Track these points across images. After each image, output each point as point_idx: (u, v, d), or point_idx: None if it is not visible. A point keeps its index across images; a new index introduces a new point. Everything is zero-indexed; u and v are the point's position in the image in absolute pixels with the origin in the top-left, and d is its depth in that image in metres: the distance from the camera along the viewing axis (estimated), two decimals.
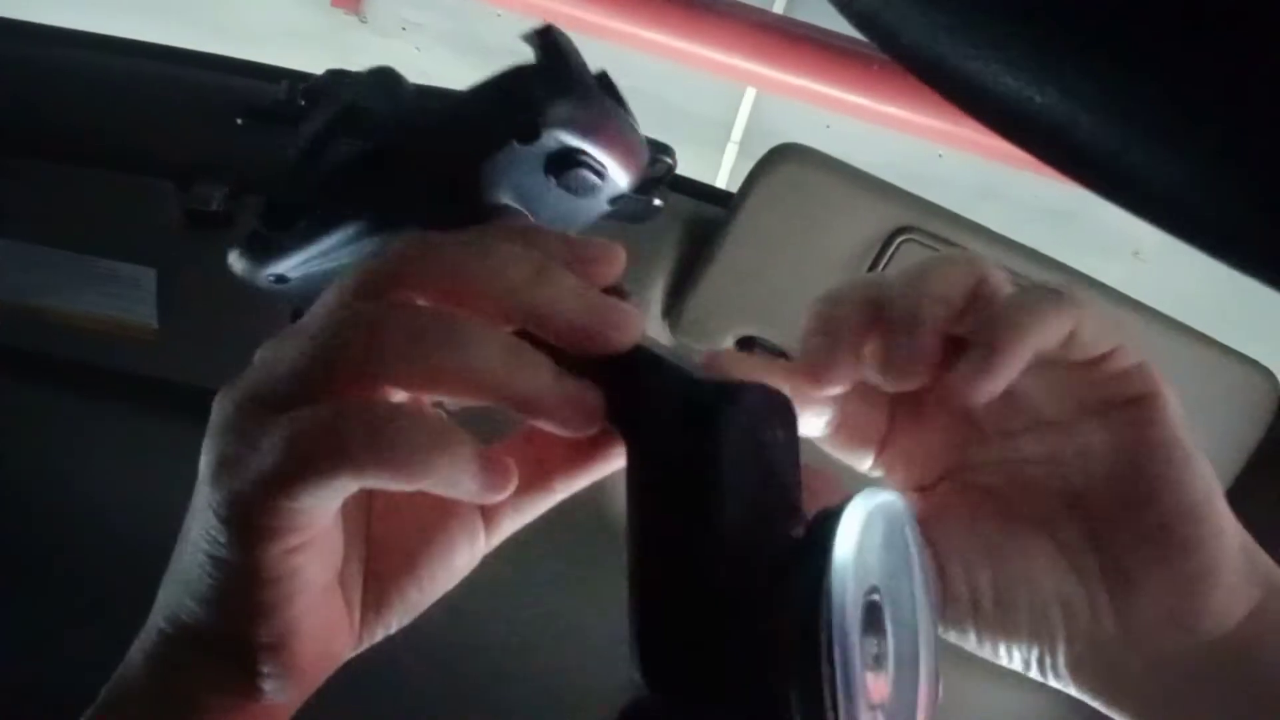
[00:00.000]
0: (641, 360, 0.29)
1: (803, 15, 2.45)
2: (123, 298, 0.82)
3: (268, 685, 0.30)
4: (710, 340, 0.81)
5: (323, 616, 0.30)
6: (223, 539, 0.27)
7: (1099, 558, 0.33)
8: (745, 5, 2.38)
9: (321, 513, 0.27)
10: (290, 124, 0.74)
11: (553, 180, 0.35)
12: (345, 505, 0.29)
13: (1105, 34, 0.15)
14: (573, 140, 0.34)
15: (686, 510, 0.26)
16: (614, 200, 0.39)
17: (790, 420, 0.28)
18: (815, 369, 0.32)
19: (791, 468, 0.28)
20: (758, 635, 0.24)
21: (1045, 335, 0.31)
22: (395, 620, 0.33)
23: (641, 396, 0.28)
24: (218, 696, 0.31)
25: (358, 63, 0.78)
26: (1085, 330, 0.31)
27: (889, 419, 0.36)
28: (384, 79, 0.38)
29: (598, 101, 0.35)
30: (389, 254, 0.29)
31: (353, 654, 0.33)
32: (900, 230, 0.77)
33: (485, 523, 0.34)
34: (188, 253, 0.81)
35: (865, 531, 0.25)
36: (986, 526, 0.34)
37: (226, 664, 0.30)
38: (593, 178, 0.35)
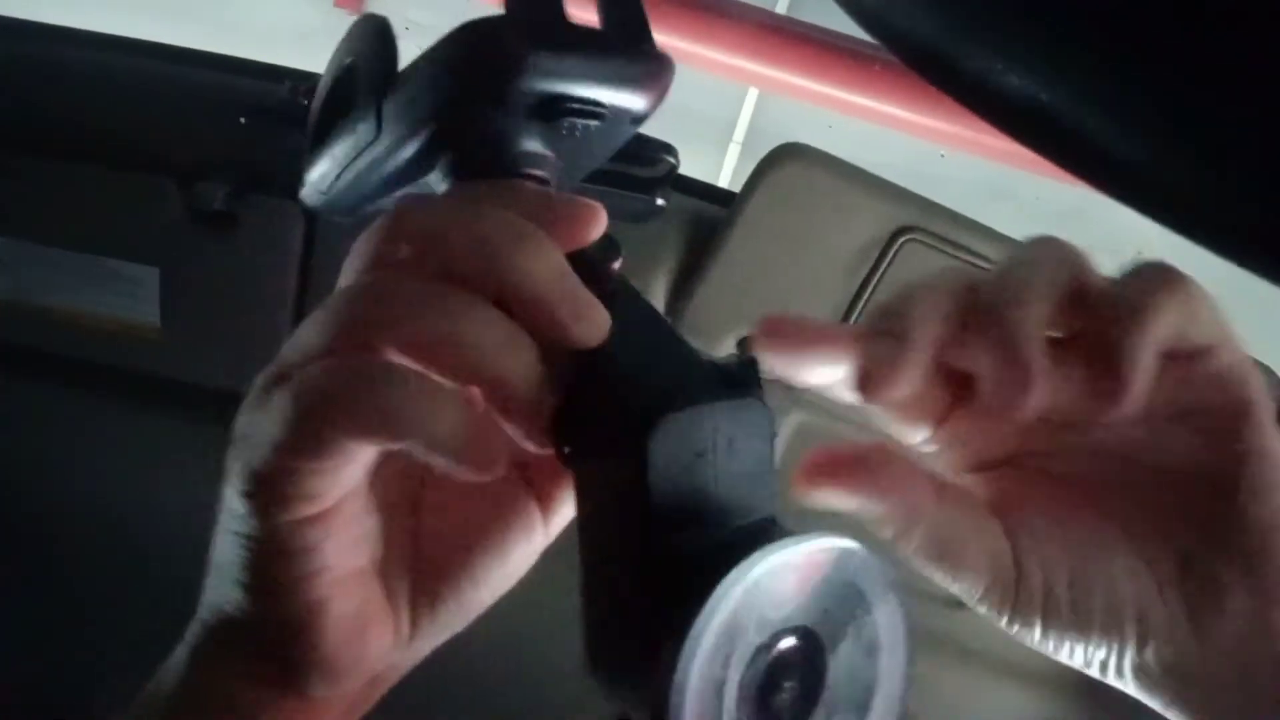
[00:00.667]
0: (600, 362, 0.28)
1: (805, 15, 2.45)
2: (126, 297, 0.82)
3: (296, 674, 0.30)
4: (713, 340, 0.81)
5: (354, 604, 0.30)
6: (243, 511, 0.28)
7: (1178, 563, 0.30)
8: (748, 5, 2.38)
9: (331, 478, 0.27)
10: (293, 123, 0.74)
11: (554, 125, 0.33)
12: (384, 493, 0.30)
13: (1110, 33, 0.15)
14: (550, 87, 0.32)
15: (608, 525, 0.27)
16: (636, 120, 0.36)
17: (759, 428, 0.28)
18: (873, 379, 0.29)
19: (748, 479, 0.27)
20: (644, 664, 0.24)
21: (1169, 327, 0.28)
22: (452, 620, 0.32)
23: (588, 406, 0.28)
24: (252, 689, 0.31)
25: None
26: (1198, 318, 0.29)
27: (952, 394, 0.32)
28: (373, 28, 0.36)
29: (578, 41, 0.33)
30: (385, 220, 0.29)
31: (410, 658, 0.33)
32: (902, 230, 0.77)
33: (543, 516, 0.33)
34: (191, 252, 0.81)
35: (772, 577, 0.24)
36: (1065, 521, 0.32)
37: (257, 651, 0.30)
38: (587, 122, 0.33)
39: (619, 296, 0.30)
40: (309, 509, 0.27)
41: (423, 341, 0.26)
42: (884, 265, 0.78)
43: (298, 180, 0.38)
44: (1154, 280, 0.29)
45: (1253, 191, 0.15)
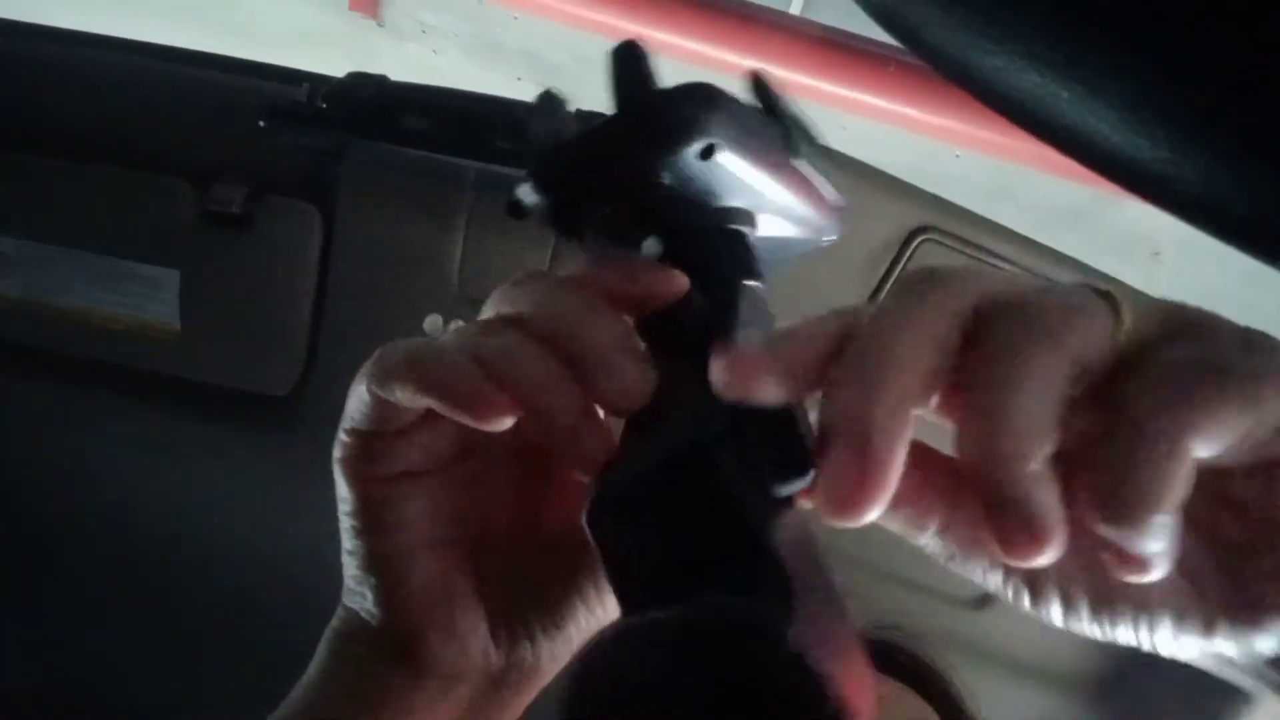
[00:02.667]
0: (634, 427, 0.30)
1: (819, 17, 2.45)
2: (145, 298, 0.82)
3: (395, 649, 0.33)
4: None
5: (437, 576, 0.33)
6: (340, 484, 0.33)
7: (1221, 584, 0.27)
8: (762, 7, 2.38)
9: (401, 442, 0.32)
10: (311, 126, 0.75)
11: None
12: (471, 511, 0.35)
13: (1128, 30, 0.15)
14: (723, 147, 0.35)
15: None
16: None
17: (714, 476, 0.26)
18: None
19: (718, 531, 0.26)
20: None
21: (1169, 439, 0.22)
22: (552, 639, 0.35)
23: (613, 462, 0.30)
24: (371, 676, 0.34)
25: (376, 66, 0.79)
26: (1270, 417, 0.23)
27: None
28: (547, 104, 0.40)
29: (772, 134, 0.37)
30: (509, 285, 0.33)
31: (533, 670, 0.35)
32: (919, 230, 0.77)
33: None
34: (209, 253, 0.81)
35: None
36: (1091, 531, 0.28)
37: (372, 637, 0.34)
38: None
39: (690, 360, 0.30)
40: (386, 466, 0.33)
41: (493, 370, 0.30)
42: (900, 265, 0.78)
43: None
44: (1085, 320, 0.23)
45: (1275, 187, 0.15)
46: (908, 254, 0.77)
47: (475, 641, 0.34)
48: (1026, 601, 0.28)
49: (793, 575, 0.25)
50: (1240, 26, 0.14)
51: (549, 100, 0.40)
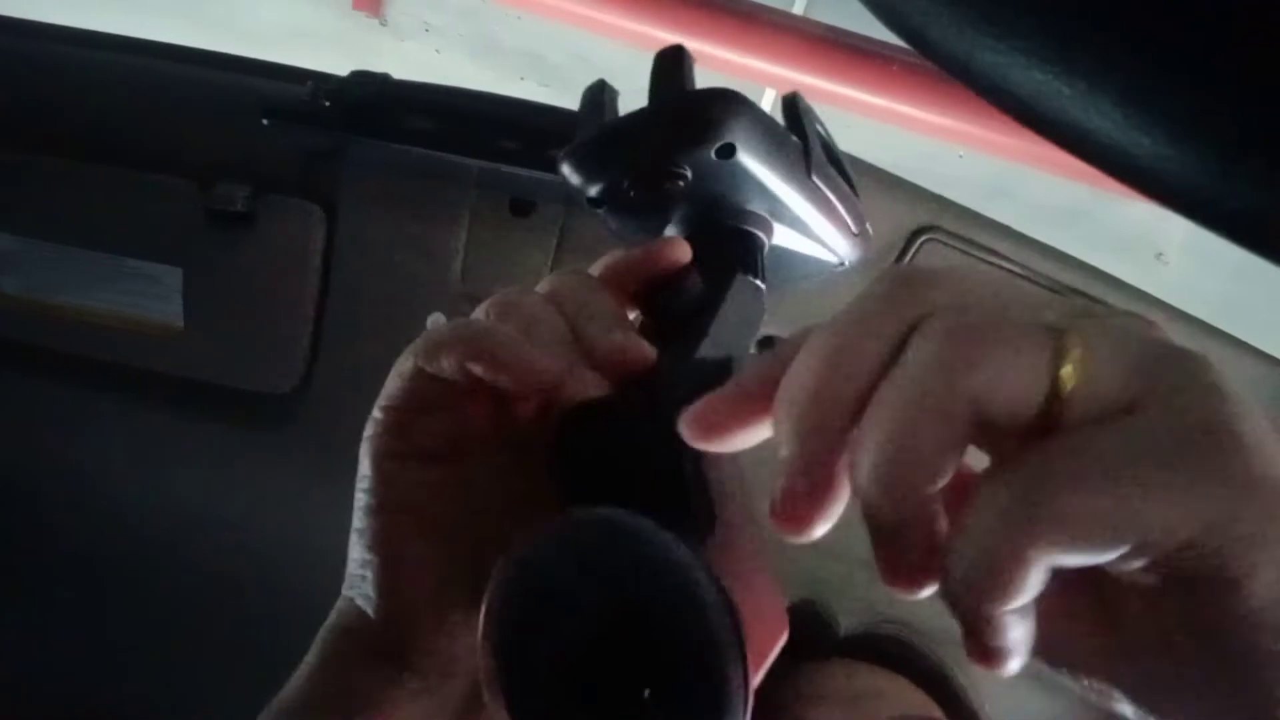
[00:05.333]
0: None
1: (822, 16, 2.45)
2: (148, 297, 0.82)
3: (386, 636, 0.34)
4: None
5: (429, 560, 0.34)
6: (363, 461, 0.35)
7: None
8: (765, 7, 2.38)
9: (425, 421, 0.34)
10: (314, 124, 0.75)
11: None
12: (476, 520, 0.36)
13: (1129, 26, 0.15)
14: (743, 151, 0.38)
15: None
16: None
17: (655, 417, 0.30)
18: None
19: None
20: None
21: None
22: None
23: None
24: (364, 673, 0.34)
25: (379, 65, 0.79)
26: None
27: None
28: (597, 92, 0.45)
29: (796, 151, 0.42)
30: (550, 279, 0.37)
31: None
32: (922, 229, 0.77)
33: None
34: (212, 252, 0.81)
35: None
36: None
37: (367, 630, 0.34)
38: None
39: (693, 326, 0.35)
40: (409, 444, 0.34)
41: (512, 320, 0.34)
42: (905, 263, 0.78)
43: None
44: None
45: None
46: (910, 253, 0.77)
47: (469, 636, 0.34)
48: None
49: (706, 501, 0.29)
50: (1239, 22, 0.14)
51: (600, 89, 0.43)
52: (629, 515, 0.26)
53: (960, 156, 2.50)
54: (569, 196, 0.77)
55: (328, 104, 0.74)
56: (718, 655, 0.24)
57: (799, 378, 0.23)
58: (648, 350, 0.33)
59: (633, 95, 0.42)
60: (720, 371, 0.35)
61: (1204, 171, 0.15)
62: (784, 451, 0.24)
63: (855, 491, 0.22)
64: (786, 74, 2.38)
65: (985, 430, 0.21)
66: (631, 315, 0.37)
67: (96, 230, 0.82)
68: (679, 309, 0.36)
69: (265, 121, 0.74)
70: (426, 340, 0.34)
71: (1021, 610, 0.21)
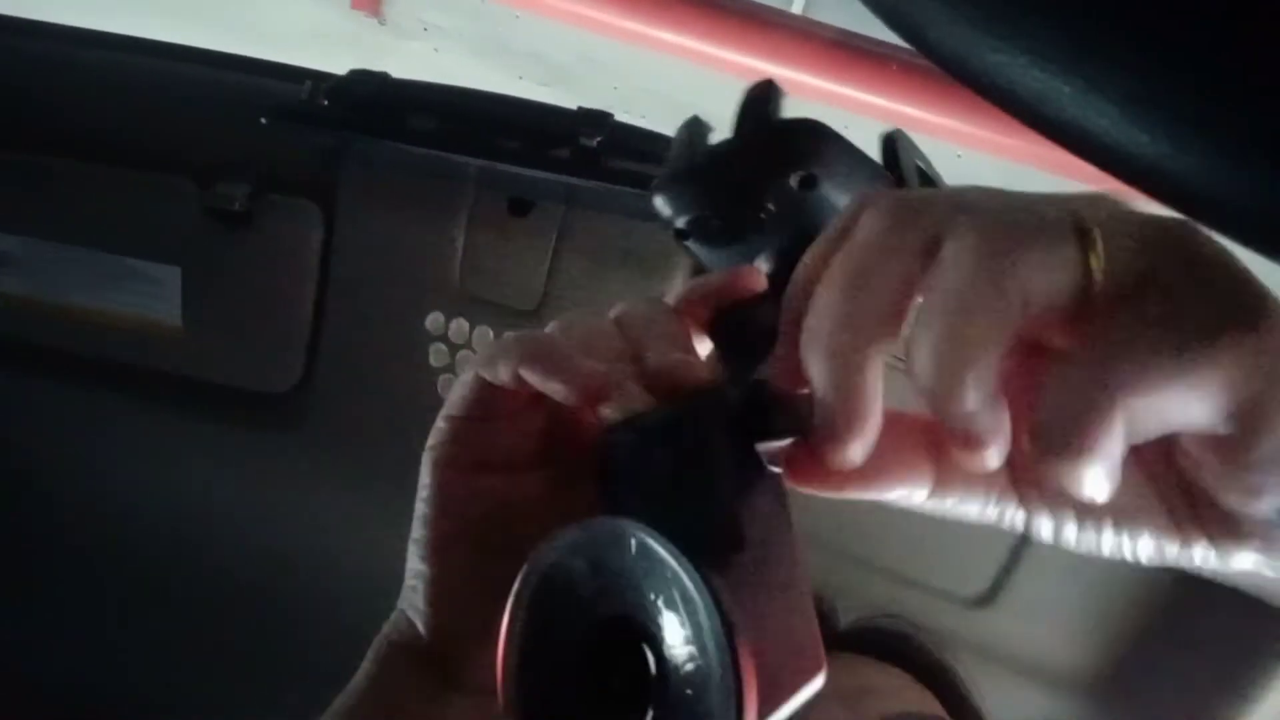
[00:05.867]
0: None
1: (821, 16, 2.44)
2: (148, 296, 0.82)
3: (434, 654, 0.34)
4: None
5: (483, 574, 0.34)
6: (424, 469, 0.35)
7: (1189, 508, 0.28)
8: (764, 6, 2.38)
9: (486, 432, 0.35)
10: (312, 123, 0.75)
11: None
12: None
13: (1129, 26, 0.15)
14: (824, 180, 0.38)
15: None
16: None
17: (703, 437, 0.30)
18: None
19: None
20: None
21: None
22: None
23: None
24: (415, 690, 0.35)
25: (378, 64, 0.79)
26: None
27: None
28: (693, 128, 0.44)
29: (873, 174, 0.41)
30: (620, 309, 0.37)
31: None
32: None
33: None
34: (211, 252, 0.81)
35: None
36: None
37: (419, 648, 0.35)
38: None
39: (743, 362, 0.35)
40: (470, 454, 0.35)
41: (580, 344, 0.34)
42: None
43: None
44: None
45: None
46: None
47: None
48: (1020, 523, 0.29)
49: (739, 534, 0.28)
50: (1239, 24, 0.14)
51: (695, 123, 0.44)
52: (641, 528, 0.26)
53: (959, 156, 2.50)
54: (568, 195, 0.77)
55: (326, 103, 0.74)
56: (706, 688, 0.24)
57: (826, 307, 0.25)
58: (700, 369, 0.32)
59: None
60: None
61: (1208, 171, 0.15)
62: (815, 376, 0.25)
63: (919, 391, 0.24)
64: (786, 73, 2.38)
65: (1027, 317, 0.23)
66: (703, 345, 0.37)
67: (95, 229, 0.82)
68: (748, 337, 0.36)
69: (263, 121, 0.74)
70: (488, 349, 0.34)
71: (1104, 463, 0.23)
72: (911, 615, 0.85)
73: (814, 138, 0.37)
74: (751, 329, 0.36)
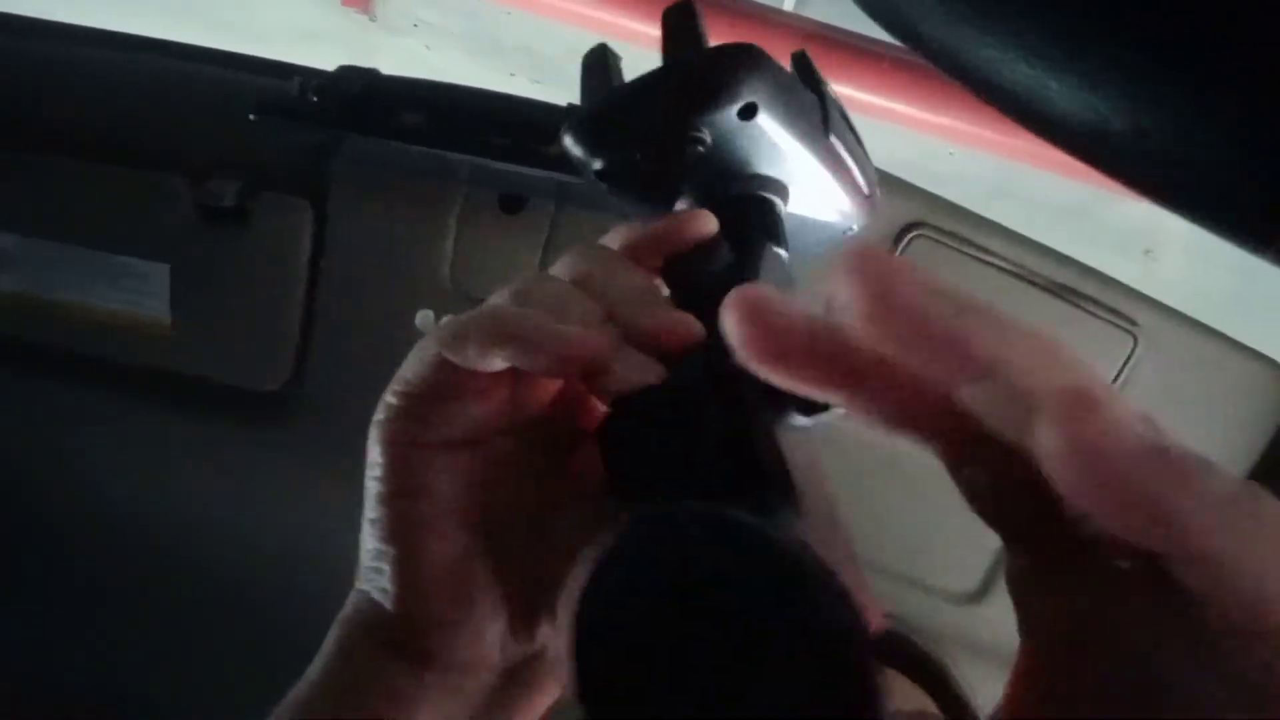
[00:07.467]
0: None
1: (812, 13, 2.45)
2: (136, 293, 0.82)
3: (409, 629, 0.33)
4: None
5: (452, 555, 0.33)
6: (373, 448, 0.34)
7: None
8: (755, 3, 2.38)
9: (438, 408, 0.33)
10: (302, 119, 0.74)
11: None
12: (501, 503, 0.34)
13: (1117, 23, 0.15)
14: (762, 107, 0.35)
15: None
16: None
17: (726, 397, 0.28)
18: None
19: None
20: None
21: None
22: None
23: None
24: (384, 666, 0.33)
25: (369, 61, 0.78)
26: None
27: None
28: (600, 56, 0.41)
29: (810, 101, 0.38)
30: (570, 253, 0.35)
31: (530, 666, 0.35)
32: (911, 225, 0.77)
33: None
34: (201, 248, 0.81)
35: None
36: None
37: (385, 622, 0.33)
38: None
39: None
40: (427, 433, 0.33)
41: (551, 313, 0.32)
42: None
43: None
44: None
45: (1274, 179, 0.15)
46: (900, 250, 0.77)
47: (491, 630, 0.34)
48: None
49: (797, 486, 0.26)
50: (1229, 23, 0.14)
51: (602, 53, 0.40)
52: (720, 509, 0.22)
53: (951, 153, 2.50)
54: (559, 192, 0.77)
55: (315, 99, 0.73)
56: (844, 645, 0.21)
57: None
58: (696, 325, 0.31)
59: None
60: None
61: (1209, 171, 0.15)
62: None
63: None
64: None
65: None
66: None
67: (85, 226, 0.82)
68: (710, 283, 0.33)
69: (252, 117, 0.74)
70: (447, 328, 0.32)
71: None
72: (906, 613, 0.85)
73: (752, 63, 0.34)
74: (710, 274, 0.34)
